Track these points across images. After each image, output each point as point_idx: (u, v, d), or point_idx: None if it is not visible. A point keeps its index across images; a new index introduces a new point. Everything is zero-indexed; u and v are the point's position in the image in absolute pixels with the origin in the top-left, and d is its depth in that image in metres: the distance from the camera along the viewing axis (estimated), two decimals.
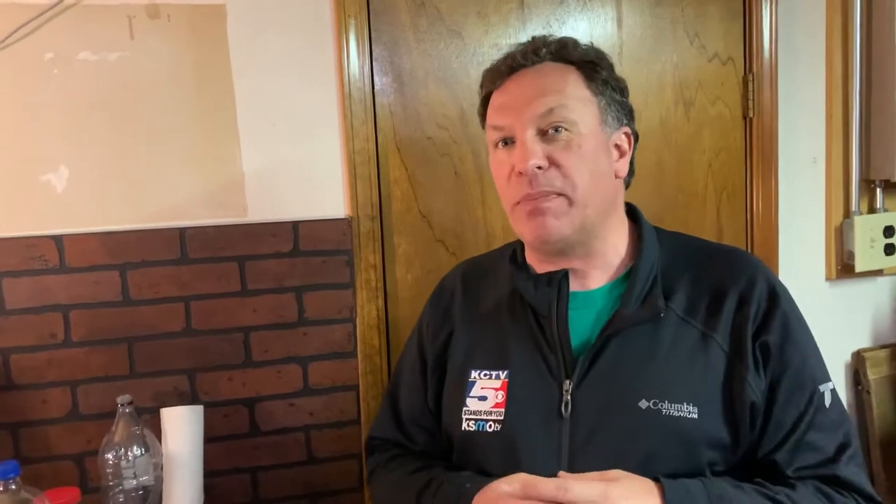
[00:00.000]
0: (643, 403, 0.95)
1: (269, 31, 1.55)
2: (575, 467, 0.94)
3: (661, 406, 0.95)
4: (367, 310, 1.63)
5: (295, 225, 1.59)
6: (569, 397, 0.98)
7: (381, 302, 1.64)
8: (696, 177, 1.79)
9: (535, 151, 0.97)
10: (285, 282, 1.59)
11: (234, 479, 1.60)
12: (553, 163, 0.98)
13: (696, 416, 0.94)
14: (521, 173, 0.98)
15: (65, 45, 1.46)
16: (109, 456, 1.46)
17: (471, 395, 1.05)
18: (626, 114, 1.06)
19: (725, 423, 0.96)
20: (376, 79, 1.61)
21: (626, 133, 1.06)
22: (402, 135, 1.64)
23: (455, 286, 1.18)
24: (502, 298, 1.10)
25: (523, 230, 1.02)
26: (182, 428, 1.47)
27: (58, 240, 1.48)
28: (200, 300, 1.55)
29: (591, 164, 0.99)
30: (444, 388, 1.11)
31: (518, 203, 1.01)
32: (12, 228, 1.47)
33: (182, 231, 1.54)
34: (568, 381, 0.99)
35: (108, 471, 1.47)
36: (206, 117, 1.54)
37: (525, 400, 1.01)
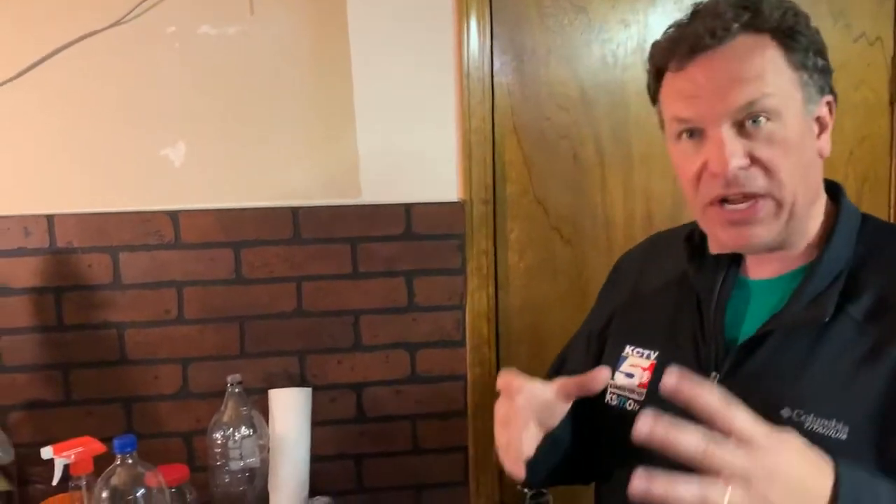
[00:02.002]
0: (786, 412, 0.84)
1: (388, 8, 1.50)
2: None
3: (805, 419, 0.84)
4: (477, 297, 1.57)
5: (408, 207, 1.54)
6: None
7: (491, 290, 1.58)
8: (834, 166, 1.65)
9: (734, 151, 0.84)
10: (396, 265, 1.55)
11: (339, 466, 1.57)
12: (755, 160, 0.85)
13: (844, 436, 0.81)
14: (716, 175, 0.86)
15: (187, 19, 1.44)
16: (217, 435, 1.46)
17: (620, 369, 1.01)
18: (828, 79, 0.91)
19: (877, 452, 0.81)
20: (495, 57, 1.54)
21: (827, 102, 0.91)
22: (519, 116, 1.57)
23: (633, 261, 1.14)
24: (672, 277, 1.02)
25: (720, 235, 0.91)
26: (290, 410, 1.45)
27: (173, 215, 1.48)
28: (312, 281, 1.53)
29: (797, 156, 0.86)
30: (601, 360, 1.06)
31: (712, 204, 0.89)
32: (129, 203, 1.47)
33: (295, 210, 1.51)
34: (714, 374, 0.91)
35: (215, 450, 1.46)
36: (322, 96, 1.50)
37: None
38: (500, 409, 0.90)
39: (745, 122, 0.84)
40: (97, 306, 1.47)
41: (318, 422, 1.46)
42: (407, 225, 1.54)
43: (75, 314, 1.46)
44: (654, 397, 0.93)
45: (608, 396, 1.00)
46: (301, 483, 1.44)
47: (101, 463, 1.22)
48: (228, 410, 1.44)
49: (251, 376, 1.49)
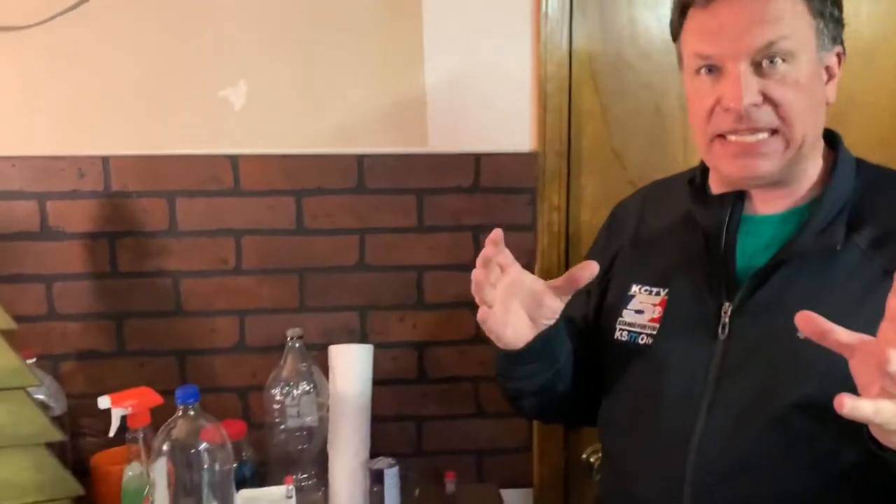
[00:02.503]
0: (800, 336, 0.80)
1: None
2: (721, 390, 0.93)
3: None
4: (547, 256, 1.49)
5: (477, 158, 1.45)
6: (726, 319, 0.95)
7: (562, 248, 1.49)
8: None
9: (749, 88, 0.89)
10: (463, 219, 1.46)
11: (399, 427, 1.50)
12: (768, 99, 0.90)
13: None
14: (729, 109, 0.91)
15: None
16: (275, 391, 1.39)
17: (628, 307, 1.05)
18: (840, 31, 0.97)
19: None
20: None
21: (837, 54, 0.96)
22: (598, 61, 1.47)
23: (631, 208, 1.16)
24: (675, 218, 1.07)
25: (726, 167, 0.96)
26: (352, 367, 1.38)
27: (233, 160, 1.40)
28: (376, 234, 1.45)
29: (807, 98, 0.92)
30: (604, 301, 1.10)
31: (720, 136, 0.94)
32: (187, 146, 1.40)
33: (360, 158, 1.43)
34: (728, 304, 0.95)
35: (273, 406, 1.40)
36: (390, 38, 1.41)
37: (681, 318, 1.00)
38: (478, 274, 0.97)
39: (762, 61, 0.89)
40: (152, 254, 1.40)
41: (378, 381, 1.39)
42: (475, 176, 1.45)
43: (130, 261, 1.40)
44: (668, 330, 1.00)
45: (618, 333, 1.04)
46: (362, 443, 1.37)
47: (157, 416, 1.16)
48: (287, 366, 1.38)
49: (310, 331, 1.42)
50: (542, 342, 0.98)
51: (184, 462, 1.09)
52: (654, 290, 1.03)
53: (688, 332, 0.98)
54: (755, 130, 0.91)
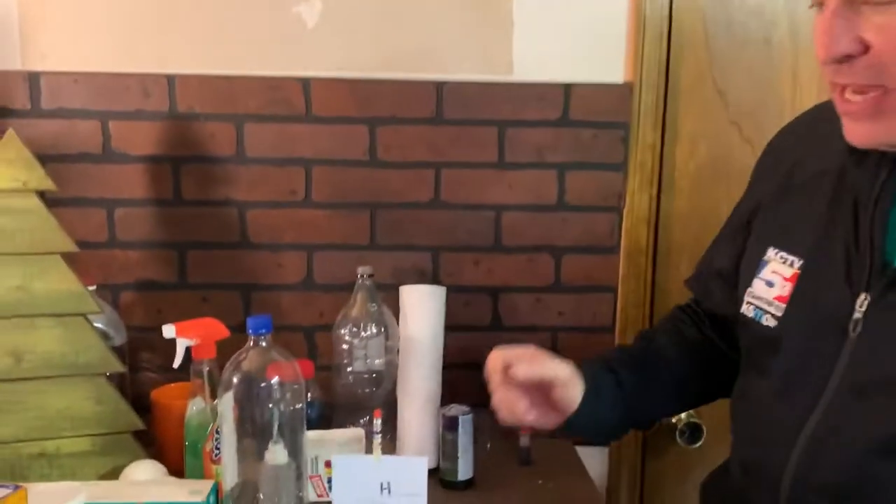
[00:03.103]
0: None
1: None
2: (839, 412, 0.76)
3: None
4: (637, 199, 1.37)
5: (566, 88, 1.34)
6: (860, 314, 0.76)
7: (654, 191, 1.38)
8: None
9: (835, 35, 0.70)
10: (548, 156, 1.36)
11: (469, 377, 1.41)
12: (868, 47, 0.69)
13: None
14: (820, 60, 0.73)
15: None
16: (344, 332, 1.32)
17: (760, 275, 0.88)
18: None
19: None
20: None
21: None
22: None
23: (792, 137, 0.95)
24: (832, 166, 0.85)
25: (844, 130, 0.77)
26: (424, 309, 1.29)
27: (305, 83, 1.31)
28: (452, 168, 1.35)
29: None
30: (741, 261, 0.94)
31: (835, 90, 0.75)
32: (256, 66, 1.31)
33: (439, 86, 1.33)
34: (865, 295, 0.76)
35: (341, 348, 1.33)
36: None
37: (811, 302, 0.83)
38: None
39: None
40: (218, 181, 1.33)
41: (449, 326, 1.30)
42: (564, 109, 1.34)
43: (194, 188, 1.33)
44: (795, 316, 0.83)
45: (745, 306, 0.89)
46: (433, 390, 1.29)
47: (222, 351, 1.09)
48: (357, 305, 1.30)
49: (380, 271, 1.33)
50: (594, 397, 0.94)
51: (253, 397, 1.02)
52: (790, 258, 0.85)
53: (813, 322, 0.82)
54: (860, 89, 0.71)
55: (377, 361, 1.30)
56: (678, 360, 1.01)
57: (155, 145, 1.31)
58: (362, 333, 1.29)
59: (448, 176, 1.35)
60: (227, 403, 1.03)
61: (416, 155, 1.34)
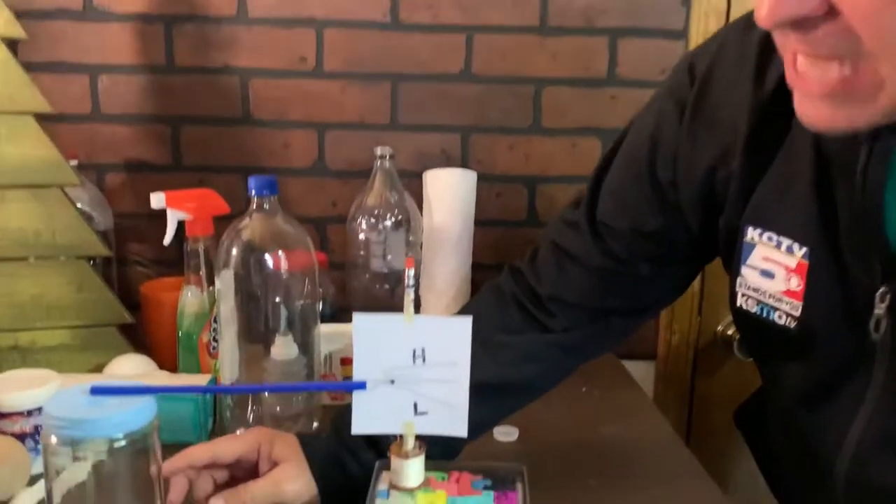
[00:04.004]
0: None
1: None
2: (886, 407, 0.62)
3: None
4: None
5: None
6: (882, 310, 0.62)
7: None
8: None
9: None
10: (597, 20, 1.17)
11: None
12: (832, 9, 0.46)
13: None
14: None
15: None
16: (360, 224, 1.16)
17: (748, 263, 0.70)
18: None
19: None
20: None
21: None
22: None
23: (728, 75, 0.68)
24: (798, 127, 0.62)
25: (797, 107, 0.54)
26: (452, 197, 1.13)
27: None
28: (486, 34, 1.17)
29: None
30: (685, 226, 0.72)
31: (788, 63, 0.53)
32: None
33: None
34: (884, 288, 0.61)
35: (357, 241, 1.16)
36: None
37: (828, 299, 0.66)
38: None
39: None
40: (216, 45, 1.15)
41: (479, 221, 1.14)
42: None
43: (189, 53, 1.15)
44: (816, 316, 0.65)
45: (741, 300, 0.70)
46: (461, 289, 1.14)
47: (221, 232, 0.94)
48: (374, 193, 1.13)
49: (401, 155, 1.17)
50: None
51: (256, 275, 0.86)
52: (786, 243, 0.67)
53: (836, 321, 0.67)
54: (819, 59, 0.50)
55: (398, 257, 1.15)
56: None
57: (144, 1, 1.13)
58: (381, 225, 1.13)
59: (481, 43, 1.17)
60: (225, 283, 0.88)
61: (444, 16, 1.15)
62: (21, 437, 0.77)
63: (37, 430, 0.78)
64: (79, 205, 1.05)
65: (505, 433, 0.92)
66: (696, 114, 0.69)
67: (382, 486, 0.65)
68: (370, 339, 0.62)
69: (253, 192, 0.82)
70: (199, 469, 0.70)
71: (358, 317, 0.62)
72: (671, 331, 1.28)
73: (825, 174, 0.63)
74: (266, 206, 0.83)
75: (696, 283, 1.26)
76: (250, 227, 0.84)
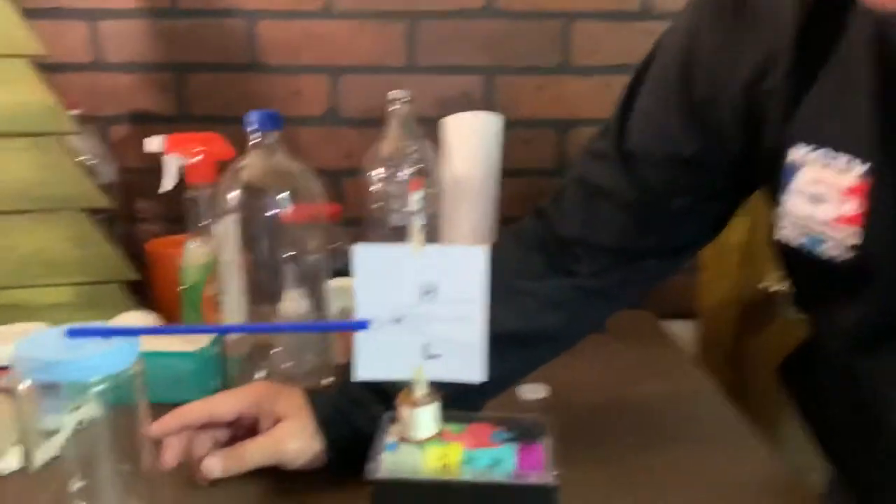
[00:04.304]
0: None
1: None
2: None
3: None
4: None
5: None
6: None
7: None
8: None
9: None
10: None
11: None
12: None
13: None
14: None
15: None
16: (376, 174, 1.09)
17: (793, 188, 0.60)
18: None
19: None
20: None
21: None
22: None
23: None
24: (853, 30, 0.56)
25: None
26: (475, 143, 1.05)
27: None
28: None
29: None
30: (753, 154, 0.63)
31: None
32: None
33: None
34: None
35: (373, 194, 1.10)
36: None
37: (894, 226, 0.56)
38: None
39: None
40: None
41: (504, 170, 1.06)
42: None
43: None
44: (881, 241, 0.56)
45: (784, 232, 0.61)
46: (487, 242, 1.07)
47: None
48: (390, 139, 1.06)
49: (421, 100, 1.09)
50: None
51: (260, 221, 0.79)
52: (842, 160, 0.57)
53: None
54: None
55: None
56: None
57: None
58: (399, 174, 1.06)
59: None
60: (225, 231, 0.81)
61: None
62: (6, 393, 0.72)
63: None
64: (81, 158, 1.00)
65: (532, 391, 0.85)
66: (735, 15, 0.61)
67: (391, 439, 0.58)
68: (373, 273, 0.55)
69: (254, 126, 0.76)
70: (197, 429, 0.65)
71: (359, 247, 0.54)
72: (713, 288, 1.19)
73: (888, 80, 0.54)
74: (269, 140, 0.76)
75: (741, 235, 1.17)
76: (250, 166, 0.77)
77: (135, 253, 1.07)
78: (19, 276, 0.93)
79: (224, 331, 0.60)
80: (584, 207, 0.69)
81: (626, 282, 0.70)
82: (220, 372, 0.85)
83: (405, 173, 1.06)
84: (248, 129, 0.76)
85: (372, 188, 1.07)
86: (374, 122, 1.11)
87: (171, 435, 0.64)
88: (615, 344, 1.02)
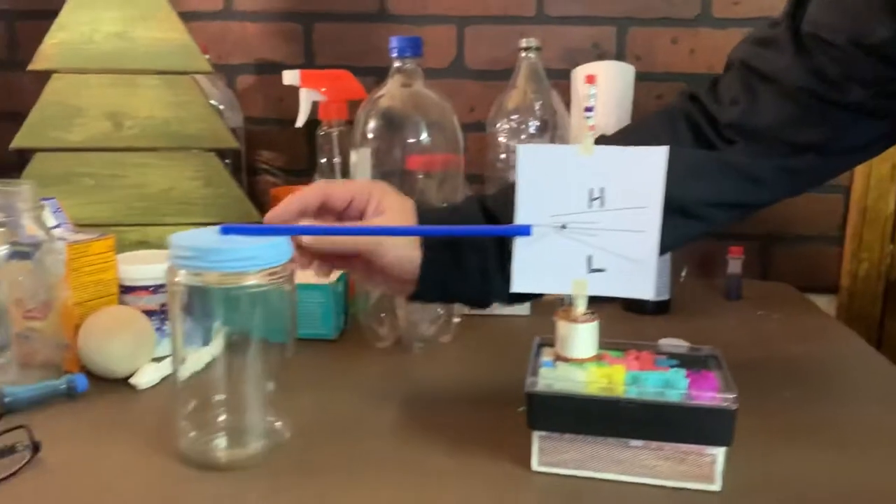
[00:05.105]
0: None
1: None
2: None
3: None
4: None
5: None
6: None
7: None
8: None
9: None
10: None
11: None
12: None
13: None
14: None
15: None
16: (500, 128, 1.05)
17: None
18: None
19: None
20: None
21: None
22: None
23: None
24: None
25: None
26: (606, 94, 1.00)
27: None
28: None
29: None
30: None
31: None
32: None
33: None
34: None
35: (498, 148, 1.06)
36: None
37: None
38: None
39: None
40: None
41: None
42: None
43: None
44: None
45: None
46: None
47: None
48: (517, 91, 1.02)
49: (549, 51, 1.05)
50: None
51: (398, 147, 0.77)
52: None
53: None
54: None
55: None
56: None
57: None
58: (525, 127, 1.02)
59: None
60: (362, 160, 0.79)
61: None
62: (146, 314, 0.72)
63: (162, 308, 0.73)
64: (211, 102, 1.01)
65: (672, 346, 0.80)
66: None
67: (546, 357, 0.54)
68: (538, 176, 0.51)
69: (395, 52, 0.73)
70: (311, 215, 0.58)
71: (524, 147, 0.51)
72: (858, 259, 1.10)
73: None
74: (408, 65, 0.74)
75: (889, 204, 1.08)
76: (389, 94, 0.75)
77: (256, 204, 1.07)
78: (150, 213, 0.94)
79: (380, 232, 0.55)
80: (745, 92, 0.63)
81: (781, 174, 0.62)
82: (345, 310, 0.83)
83: (531, 126, 1.03)
84: (392, 54, 0.73)
85: (495, 140, 1.04)
86: (499, 75, 1.08)
87: (290, 219, 0.57)
88: (755, 310, 0.96)
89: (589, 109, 0.50)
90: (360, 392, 0.67)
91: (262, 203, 1.06)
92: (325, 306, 0.78)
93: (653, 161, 0.49)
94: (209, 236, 0.52)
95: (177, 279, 0.51)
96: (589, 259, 0.51)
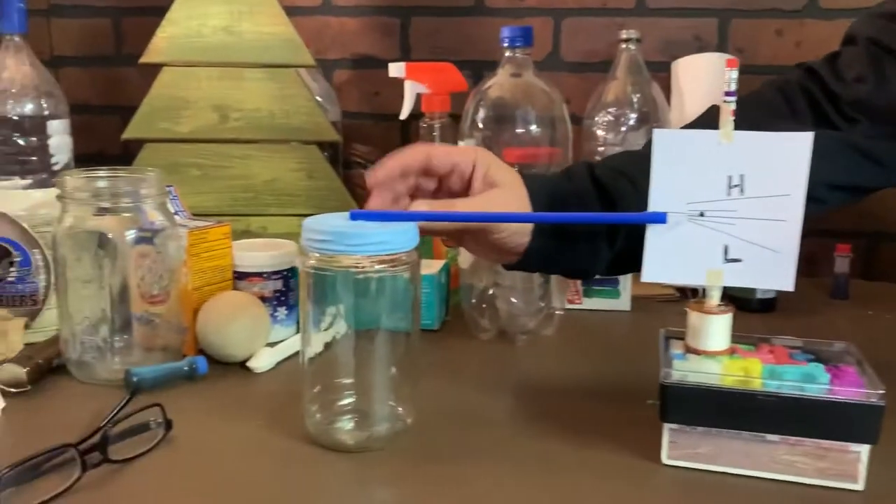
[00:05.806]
0: None
1: None
2: None
3: None
4: None
5: None
6: None
7: None
8: None
9: None
10: None
11: None
12: None
13: None
14: None
15: None
16: (598, 121, 1.04)
17: None
18: None
19: None
20: None
21: None
22: None
23: None
24: None
25: None
26: (708, 87, 0.98)
27: None
28: None
29: None
30: None
31: None
32: None
33: None
34: None
35: (595, 141, 1.05)
36: None
37: None
38: None
39: None
40: None
41: None
42: None
43: None
44: None
45: None
46: None
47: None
48: (616, 86, 1.01)
49: (648, 43, 1.03)
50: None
51: (500, 141, 0.77)
52: None
53: None
54: None
55: None
56: None
57: None
58: (623, 120, 1.01)
59: None
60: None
61: None
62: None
63: (275, 294, 0.74)
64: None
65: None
66: None
67: (676, 349, 0.53)
68: (673, 162, 0.50)
69: (506, 42, 0.73)
70: (413, 175, 0.58)
71: (660, 132, 0.50)
72: None
73: None
74: (518, 55, 0.74)
75: None
76: (498, 84, 0.75)
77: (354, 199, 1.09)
78: (254, 204, 0.96)
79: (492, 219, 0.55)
80: (872, 68, 0.61)
81: None
82: (447, 300, 0.84)
83: (630, 119, 1.01)
84: (503, 43, 0.73)
85: (593, 134, 1.03)
86: (596, 67, 1.07)
87: (389, 180, 0.58)
88: (863, 310, 0.92)
89: (730, 94, 0.49)
90: (471, 381, 0.67)
91: (357, 196, 1.08)
92: (429, 296, 0.78)
93: (797, 146, 0.47)
94: (340, 221, 0.53)
95: (309, 262, 0.52)
96: (725, 249, 0.49)
